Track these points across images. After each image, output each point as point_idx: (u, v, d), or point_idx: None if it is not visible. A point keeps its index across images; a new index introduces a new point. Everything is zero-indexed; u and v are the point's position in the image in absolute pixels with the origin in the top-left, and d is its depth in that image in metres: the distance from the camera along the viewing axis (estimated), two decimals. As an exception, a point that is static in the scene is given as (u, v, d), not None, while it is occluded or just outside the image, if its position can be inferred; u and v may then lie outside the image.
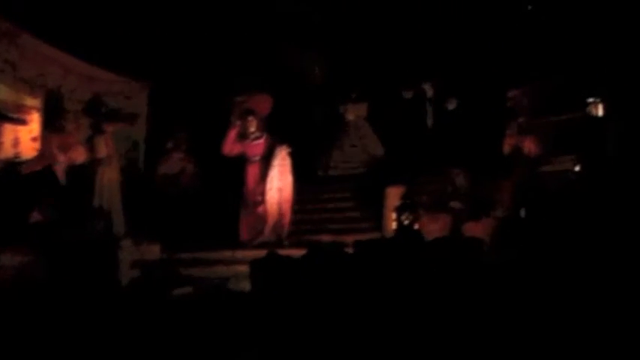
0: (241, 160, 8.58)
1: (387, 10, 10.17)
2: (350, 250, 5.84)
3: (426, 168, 9.16)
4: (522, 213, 8.36)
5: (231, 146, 8.53)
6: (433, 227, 7.74)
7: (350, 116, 10.58)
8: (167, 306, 6.07)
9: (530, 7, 9.69)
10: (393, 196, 7.92)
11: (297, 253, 5.80)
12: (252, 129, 8.63)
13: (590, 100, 8.51)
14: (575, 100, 8.92)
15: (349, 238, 8.00)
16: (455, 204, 8.11)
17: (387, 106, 10.40)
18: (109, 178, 7.96)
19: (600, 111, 8.48)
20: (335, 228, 8.64)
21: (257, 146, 8.65)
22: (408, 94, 10.32)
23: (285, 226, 8.51)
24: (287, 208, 8.56)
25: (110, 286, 6.71)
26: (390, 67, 10.47)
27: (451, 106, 9.80)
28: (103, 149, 8.00)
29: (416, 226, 7.07)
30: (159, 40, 9.24)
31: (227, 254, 7.71)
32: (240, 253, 7.58)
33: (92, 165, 7.88)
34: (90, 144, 8.01)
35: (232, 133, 8.56)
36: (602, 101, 8.42)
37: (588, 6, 8.87)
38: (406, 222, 6.98)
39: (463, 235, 7.59)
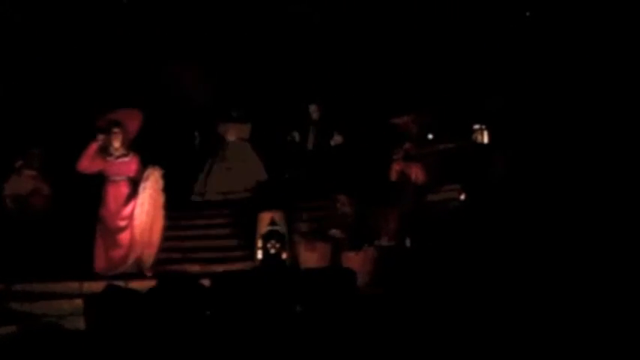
0: (100, 180, 7.69)
1: (273, 28, 9.74)
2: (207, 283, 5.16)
3: (308, 193, 8.66)
4: (407, 242, 8.07)
5: (89, 162, 7.59)
6: (310, 257, 7.22)
7: (231, 137, 9.91)
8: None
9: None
10: (266, 222, 7.29)
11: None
12: (117, 144, 7.77)
13: (476, 127, 8.40)
14: (463, 128, 8.89)
15: (220, 268, 7.46)
16: (335, 232, 7.61)
17: (269, 128, 9.85)
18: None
19: (486, 138, 8.38)
20: (206, 257, 7.94)
21: (121, 165, 7.79)
22: (292, 116, 9.82)
23: (152, 255, 7.69)
24: (157, 235, 7.76)
25: None
26: (274, 86, 9.99)
27: (335, 142, 9.38)
28: None
29: (284, 256, 6.46)
30: (13, 47, 8.29)
31: (74, 286, 6.78)
32: (89, 285, 6.67)
33: None
34: None
35: (93, 147, 7.64)
36: (488, 128, 8.33)
37: (473, 33, 8.84)
38: (272, 251, 6.35)
39: (341, 265, 7.09)
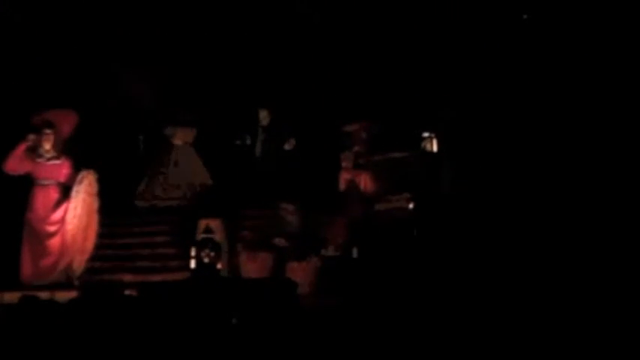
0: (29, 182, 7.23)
1: (222, 30, 9.41)
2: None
3: (253, 200, 8.35)
4: (354, 252, 7.86)
5: (18, 163, 7.15)
6: (252, 267, 6.91)
7: (176, 141, 9.53)
8: None
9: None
10: (202, 229, 6.94)
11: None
12: (48, 146, 7.34)
13: (425, 134, 8.27)
14: (413, 137, 8.76)
15: (157, 278, 7.09)
16: (279, 241, 7.31)
17: (217, 133, 9.50)
18: None
19: (435, 147, 8.26)
20: (143, 266, 7.55)
21: (52, 168, 7.36)
22: (240, 121, 9.49)
23: (82, 262, 7.27)
24: (90, 241, 7.38)
25: None
26: (223, 90, 9.65)
27: (289, 146, 9.11)
28: None
29: (219, 265, 6.12)
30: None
31: (-9, 297, 6.30)
32: (10, 296, 6.19)
33: None
34: None
35: (21, 147, 7.20)
36: (437, 137, 8.21)
37: (422, 42, 8.74)
38: (206, 260, 6.00)
39: (283, 275, 6.79)
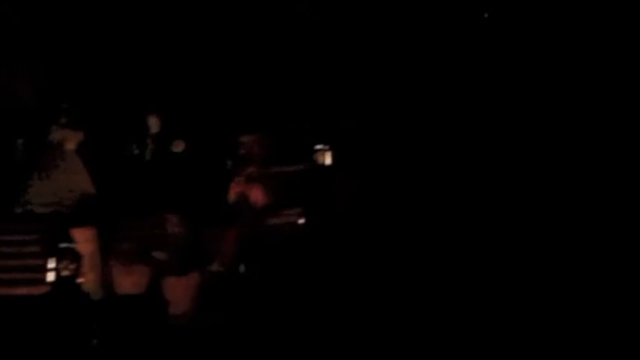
0: None
1: (106, 26, 8.93)
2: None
3: (135, 210, 7.90)
4: (242, 268, 7.60)
5: None
6: (125, 281, 6.47)
7: (58, 145, 8.94)
8: None
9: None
10: (82, 240, 6.46)
11: None
12: None
13: (319, 147, 8.16)
14: (308, 149, 8.62)
15: (23, 291, 6.54)
16: (159, 254, 6.91)
17: (103, 137, 8.99)
18: None
19: (328, 159, 8.15)
20: (8, 278, 6.91)
21: None
22: (128, 127, 9.03)
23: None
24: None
25: None
26: (111, 93, 9.16)
27: (178, 148, 8.75)
28: None
29: (80, 280, 5.67)
30: None
31: None
32: None
33: None
34: None
35: None
36: (331, 149, 8.11)
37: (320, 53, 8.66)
38: (66, 272, 5.54)
39: (160, 291, 6.42)
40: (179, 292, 6.48)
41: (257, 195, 8.33)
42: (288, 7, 8.93)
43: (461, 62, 8.34)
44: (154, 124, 8.95)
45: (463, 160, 7.89)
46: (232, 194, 8.38)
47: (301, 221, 7.83)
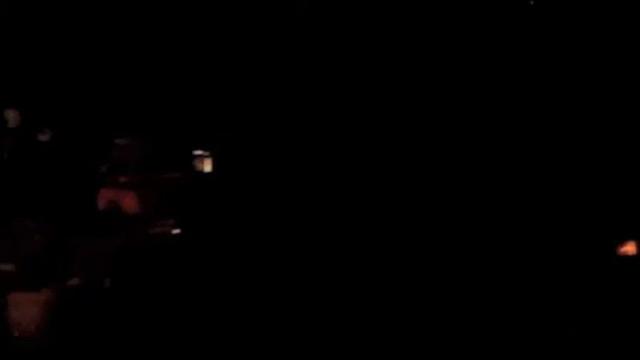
0: None
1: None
2: None
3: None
4: (107, 282, 6.98)
5: None
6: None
7: None
8: None
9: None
10: None
11: None
12: None
13: (198, 153, 7.73)
14: (187, 156, 8.17)
15: None
16: (5, 266, 6.20)
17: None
18: None
19: (208, 166, 7.74)
20: None
21: None
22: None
23: None
24: None
25: None
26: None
27: (44, 137, 8.07)
28: None
29: None
30: None
31: None
32: None
33: None
34: None
35: None
36: (211, 156, 7.72)
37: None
38: None
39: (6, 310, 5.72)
40: (27, 310, 5.79)
41: (130, 203, 7.74)
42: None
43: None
44: (13, 117, 8.24)
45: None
46: (102, 201, 7.74)
47: (176, 231, 7.32)
